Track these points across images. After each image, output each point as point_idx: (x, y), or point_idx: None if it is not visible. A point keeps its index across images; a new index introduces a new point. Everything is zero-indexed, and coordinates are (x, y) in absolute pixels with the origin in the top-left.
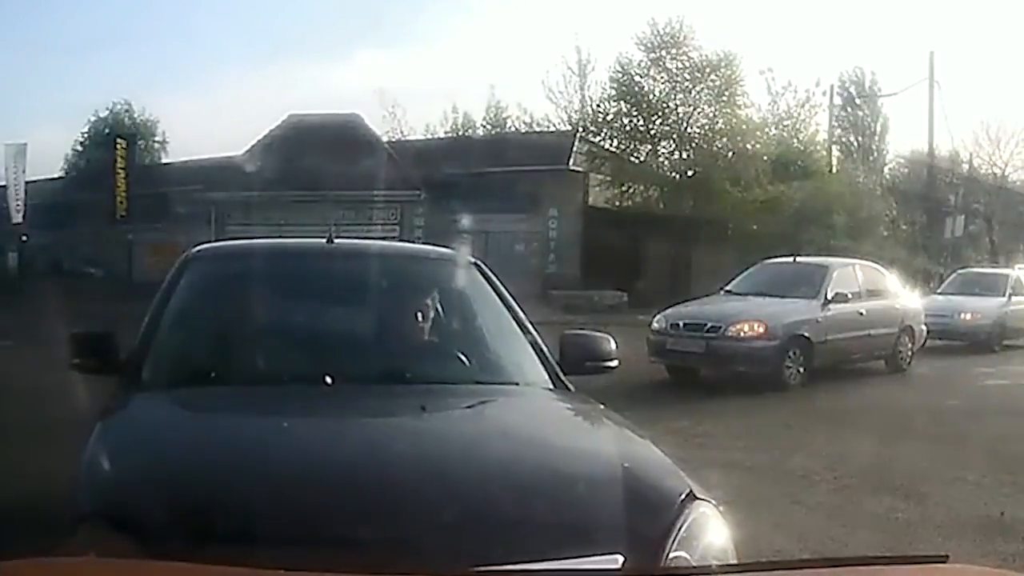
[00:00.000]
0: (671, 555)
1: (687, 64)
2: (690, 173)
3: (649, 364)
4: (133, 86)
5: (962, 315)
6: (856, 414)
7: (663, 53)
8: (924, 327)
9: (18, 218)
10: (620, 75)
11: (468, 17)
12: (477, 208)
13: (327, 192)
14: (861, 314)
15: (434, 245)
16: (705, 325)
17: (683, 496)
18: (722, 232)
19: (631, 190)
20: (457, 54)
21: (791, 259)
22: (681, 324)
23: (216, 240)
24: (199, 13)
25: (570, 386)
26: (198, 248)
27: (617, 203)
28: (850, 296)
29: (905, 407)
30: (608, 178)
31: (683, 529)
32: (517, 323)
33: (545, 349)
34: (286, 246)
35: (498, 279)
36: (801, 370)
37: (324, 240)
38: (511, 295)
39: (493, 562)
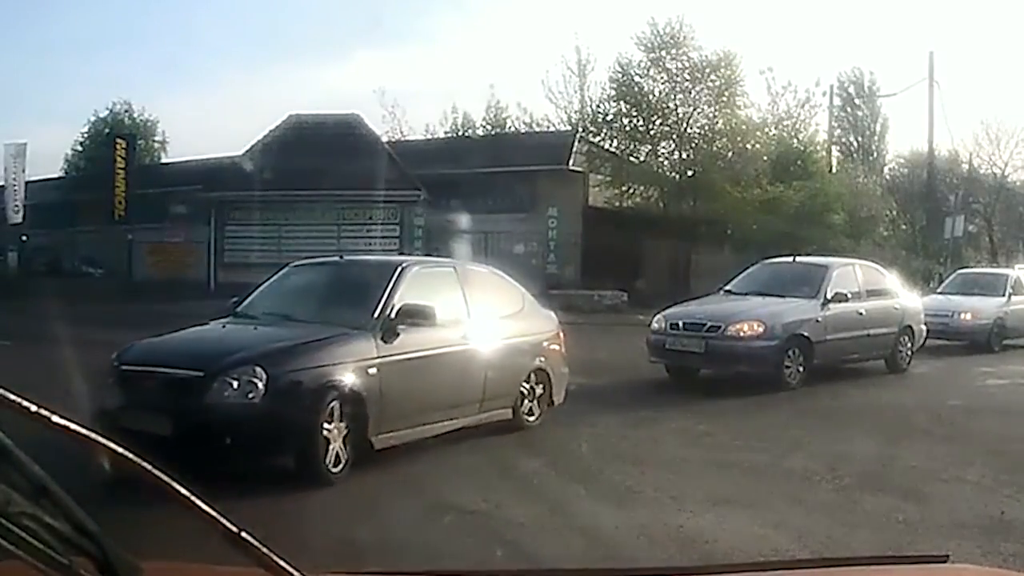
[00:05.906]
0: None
1: (687, 64)
2: (690, 173)
3: (649, 364)
4: (133, 86)
5: (962, 315)
6: (856, 414)
7: (663, 53)
8: (924, 327)
9: (18, 218)
10: (620, 75)
11: (468, 17)
12: (477, 208)
13: (327, 192)
14: (861, 314)
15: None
16: (705, 325)
17: (225, 363)
18: (722, 232)
19: (631, 190)
20: (457, 54)
21: (791, 259)
22: (681, 324)
23: (215, 240)
24: (200, 13)
25: (378, 336)
26: (293, 263)
27: (617, 203)
28: (850, 296)
29: (905, 407)
30: (608, 178)
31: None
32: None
33: (385, 312)
34: (319, 261)
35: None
36: (801, 370)
37: (338, 257)
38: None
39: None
